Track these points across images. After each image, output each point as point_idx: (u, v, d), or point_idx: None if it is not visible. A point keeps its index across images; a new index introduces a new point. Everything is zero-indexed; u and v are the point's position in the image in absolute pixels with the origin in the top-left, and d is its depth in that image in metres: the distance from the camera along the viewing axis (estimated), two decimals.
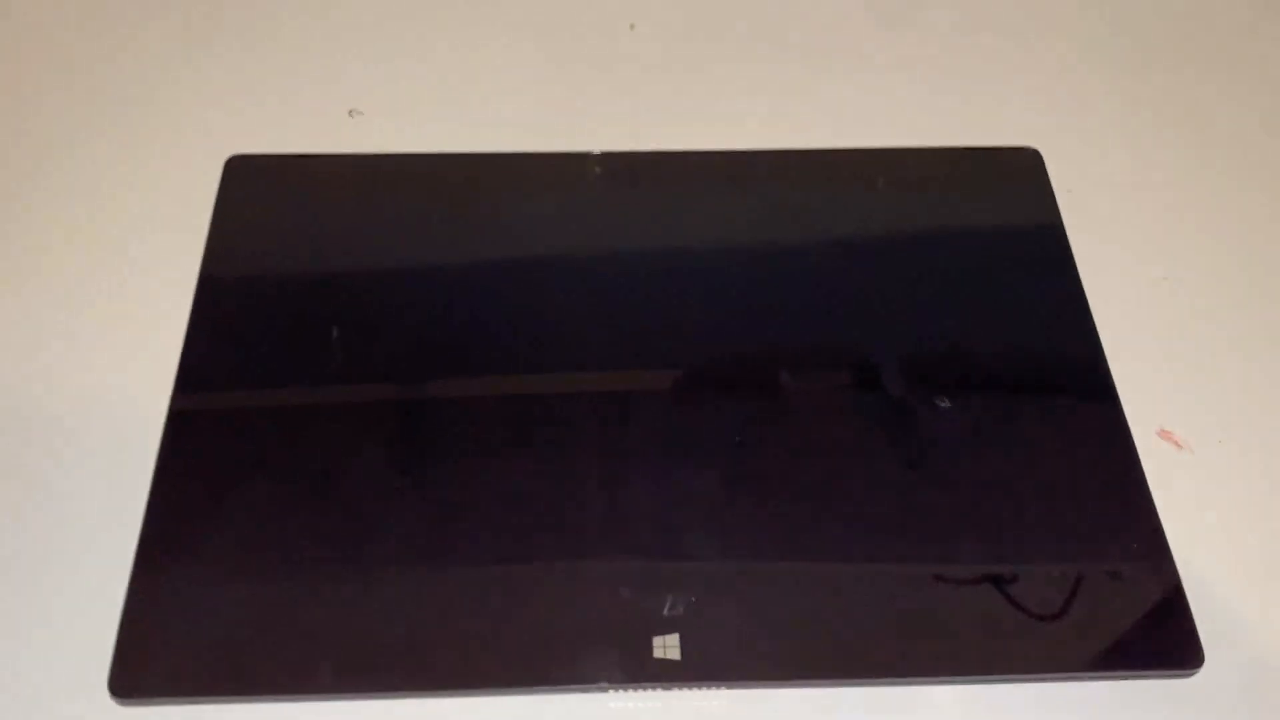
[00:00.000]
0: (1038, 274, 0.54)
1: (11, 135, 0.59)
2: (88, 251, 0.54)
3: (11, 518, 0.46)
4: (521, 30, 0.65)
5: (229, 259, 0.53)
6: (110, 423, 0.49)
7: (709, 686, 0.42)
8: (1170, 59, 0.65)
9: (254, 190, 0.55)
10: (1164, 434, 0.50)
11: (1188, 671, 0.43)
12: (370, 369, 0.50)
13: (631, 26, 0.65)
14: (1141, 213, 0.58)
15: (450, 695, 0.42)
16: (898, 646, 0.43)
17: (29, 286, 0.53)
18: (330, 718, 0.42)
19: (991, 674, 0.43)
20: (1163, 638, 0.43)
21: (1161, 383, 0.51)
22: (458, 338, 0.51)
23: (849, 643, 0.43)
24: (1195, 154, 0.60)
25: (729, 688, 0.43)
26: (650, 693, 0.42)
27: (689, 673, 0.42)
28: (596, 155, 0.57)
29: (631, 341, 0.51)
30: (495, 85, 0.62)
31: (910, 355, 0.51)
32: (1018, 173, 0.58)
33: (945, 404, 0.49)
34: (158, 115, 0.60)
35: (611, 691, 0.42)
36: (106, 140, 0.59)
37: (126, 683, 0.41)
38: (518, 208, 0.56)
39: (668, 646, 0.42)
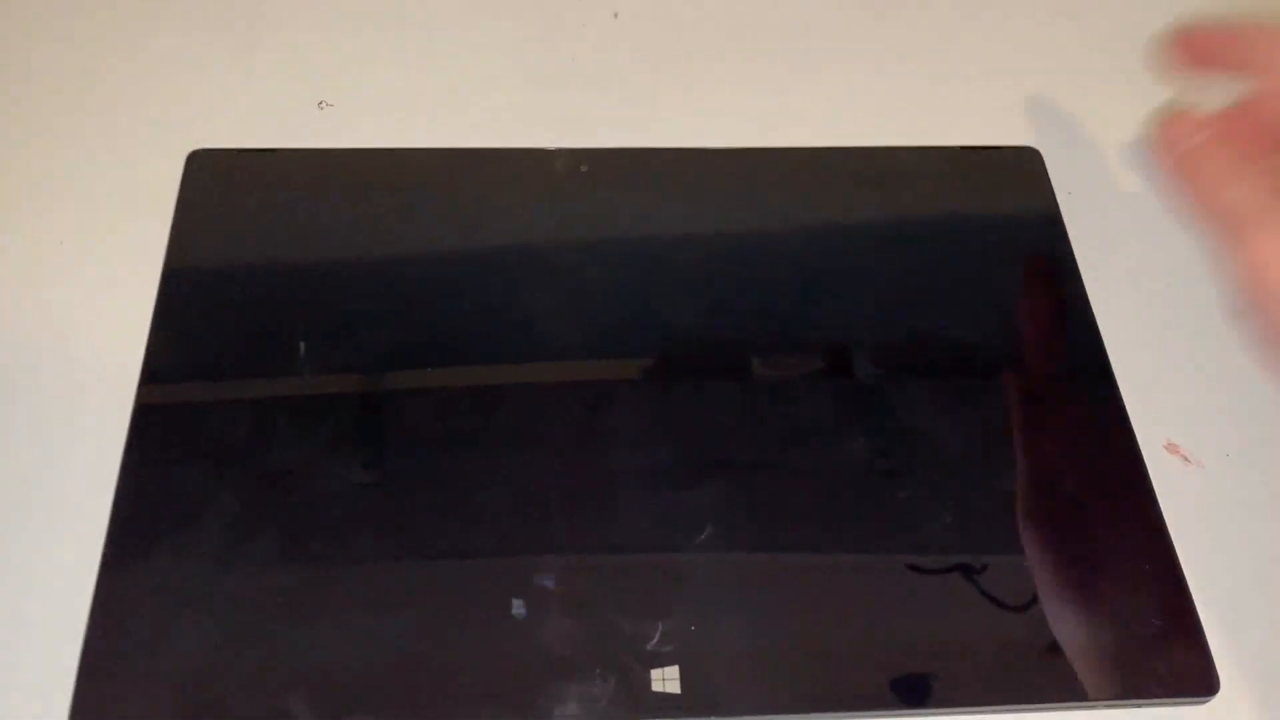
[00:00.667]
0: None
1: None
2: (44, 248, 0.52)
3: None
4: (500, 20, 0.62)
5: (191, 256, 0.51)
6: (71, 424, 0.46)
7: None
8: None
9: (217, 186, 0.53)
10: (1171, 447, 0.48)
11: (1202, 699, 0.42)
12: (337, 367, 0.48)
13: (615, 15, 0.62)
14: (1145, 219, 0.56)
15: None
16: (898, 675, 0.41)
17: None
18: None
19: (1001, 704, 0.41)
20: (1175, 663, 0.42)
21: (1166, 393, 0.50)
22: (429, 336, 0.49)
23: (855, 670, 0.41)
24: None
25: None
26: None
27: (689, 706, 0.40)
28: (579, 151, 0.55)
29: (616, 345, 0.49)
30: (473, 76, 0.59)
31: (907, 361, 0.49)
32: (1017, 173, 0.56)
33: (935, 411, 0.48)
34: (117, 106, 0.57)
35: None
36: (63, 133, 0.56)
37: (90, 714, 0.39)
38: (492, 205, 0.53)
39: (666, 679, 0.40)
